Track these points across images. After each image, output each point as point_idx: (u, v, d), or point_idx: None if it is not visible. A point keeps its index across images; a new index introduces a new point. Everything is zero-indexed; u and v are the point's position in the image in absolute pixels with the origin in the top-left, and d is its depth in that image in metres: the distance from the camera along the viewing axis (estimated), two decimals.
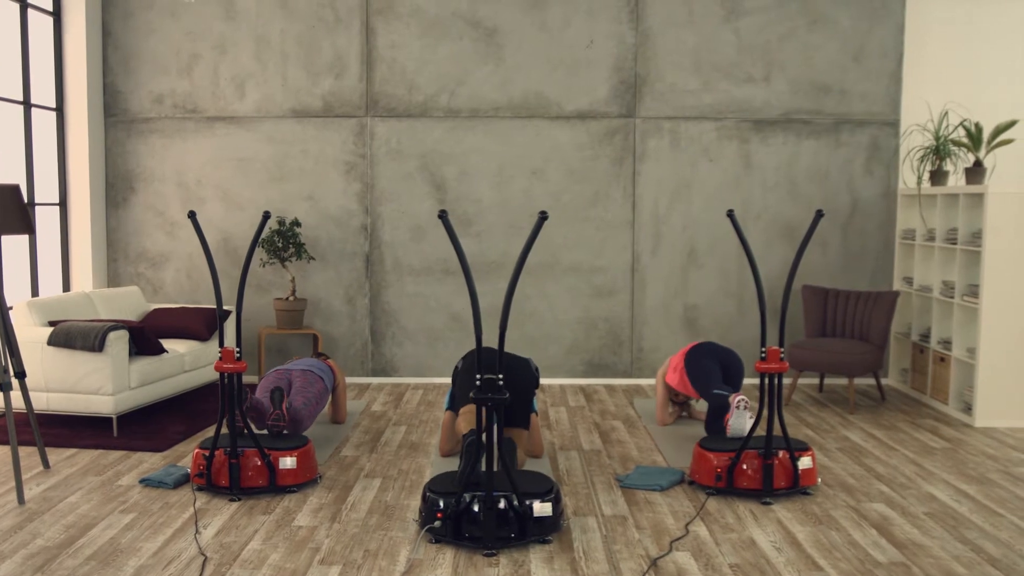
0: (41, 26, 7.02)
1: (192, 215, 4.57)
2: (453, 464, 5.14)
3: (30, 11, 6.82)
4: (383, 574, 3.67)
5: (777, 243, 7.45)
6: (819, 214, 4.49)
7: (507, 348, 7.53)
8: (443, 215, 3.87)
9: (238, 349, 4.63)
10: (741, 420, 5.03)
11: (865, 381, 7.59)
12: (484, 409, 3.98)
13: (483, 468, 4.34)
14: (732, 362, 5.71)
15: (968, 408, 6.30)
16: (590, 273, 7.47)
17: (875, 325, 6.71)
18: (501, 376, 3.92)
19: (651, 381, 7.54)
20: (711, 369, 5.59)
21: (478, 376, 3.91)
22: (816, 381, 7.56)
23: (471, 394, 3.99)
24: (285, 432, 5.03)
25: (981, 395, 6.11)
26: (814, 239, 7.46)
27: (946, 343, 6.60)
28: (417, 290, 7.49)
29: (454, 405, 5.27)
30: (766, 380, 4.64)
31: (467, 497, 3.96)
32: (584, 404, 6.77)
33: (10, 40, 6.67)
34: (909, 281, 7.29)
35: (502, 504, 3.94)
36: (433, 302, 7.49)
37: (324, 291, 7.51)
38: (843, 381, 7.54)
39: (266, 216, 4.59)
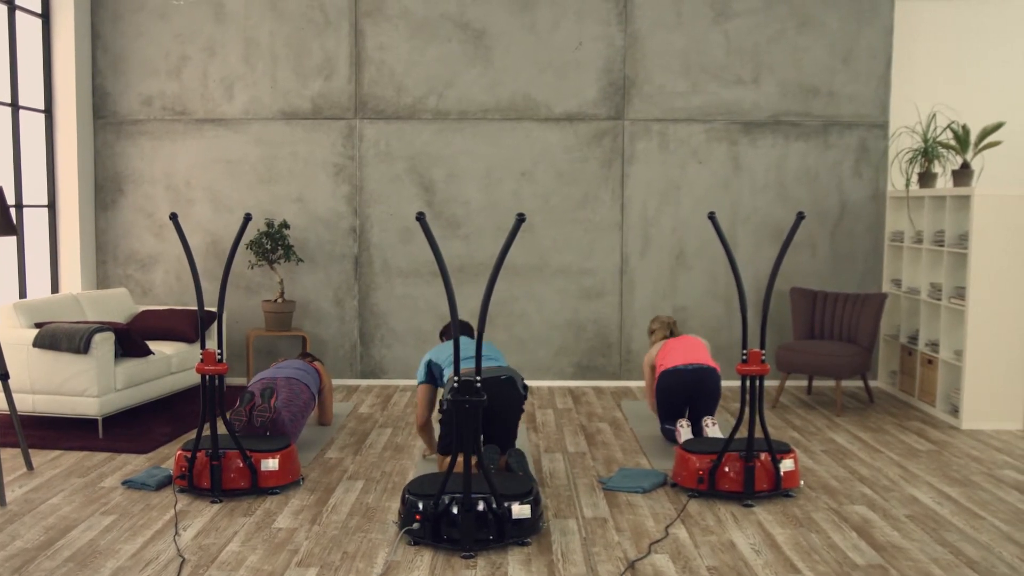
0: (29, 28, 7.02)
1: (174, 217, 4.57)
2: (433, 467, 5.13)
3: (18, 13, 6.83)
4: None
5: (766, 245, 7.45)
6: (800, 216, 4.49)
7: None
8: (421, 217, 3.87)
9: (219, 351, 4.63)
10: (686, 433, 5.44)
11: (853, 383, 7.59)
12: (461, 412, 3.97)
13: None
14: (702, 388, 5.50)
15: (955, 410, 6.30)
16: (579, 275, 7.47)
17: (863, 327, 6.71)
18: (479, 379, 3.91)
19: (640, 383, 7.54)
20: (676, 410, 5.62)
21: (455, 377, 3.91)
22: (804, 383, 7.56)
23: (448, 395, 3.99)
24: (268, 433, 5.05)
25: (967, 397, 6.11)
26: (803, 241, 7.46)
27: (934, 345, 6.60)
28: (406, 292, 7.49)
29: (431, 379, 5.15)
30: (747, 382, 4.64)
31: (446, 499, 3.96)
32: (571, 406, 6.76)
33: None
34: (898, 283, 7.29)
35: (481, 506, 3.93)
36: (422, 303, 7.49)
37: (313, 293, 7.51)
38: (831, 383, 7.54)
39: (247, 219, 4.59)
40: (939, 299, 6.49)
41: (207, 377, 4.60)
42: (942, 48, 7.32)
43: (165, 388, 6.38)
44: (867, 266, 7.50)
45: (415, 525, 3.96)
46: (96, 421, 5.98)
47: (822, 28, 7.33)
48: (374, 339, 7.53)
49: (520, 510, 3.97)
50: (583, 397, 7.09)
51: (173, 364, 6.45)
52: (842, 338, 6.90)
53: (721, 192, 7.42)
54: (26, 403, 5.79)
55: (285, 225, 7.22)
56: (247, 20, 7.36)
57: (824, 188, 7.44)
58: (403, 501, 4.10)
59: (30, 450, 5.45)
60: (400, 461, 5.31)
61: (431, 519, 3.94)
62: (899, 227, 7.35)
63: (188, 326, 6.70)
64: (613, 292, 7.49)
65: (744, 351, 4.57)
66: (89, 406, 5.71)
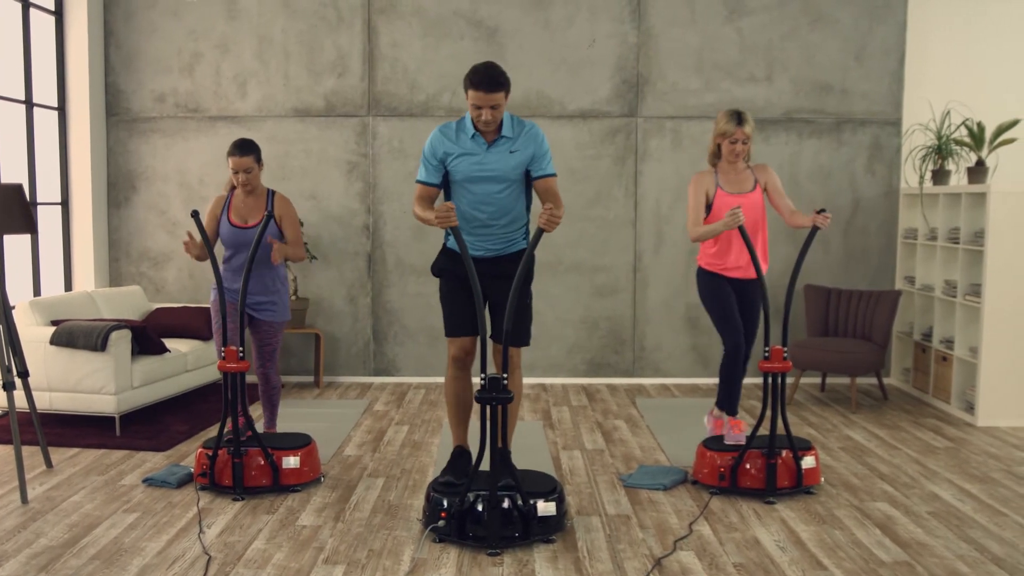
0: (43, 25, 7.01)
1: (195, 214, 4.57)
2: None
3: (32, 10, 6.82)
4: (387, 573, 3.67)
5: (779, 243, 7.45)
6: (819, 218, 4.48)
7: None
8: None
9: (241, 348, 4.63)
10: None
11: (867, 380, 7.58)
12: (488, 409, 3.98)
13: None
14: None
15: (970, 407, 6.30)
16: (592, 272, 7.47)
17: (877, 324, 6.71)
18: (505, 375, 3.92)
19: (653, 380, 7.54)
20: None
21: (483, 376, 3.91)
22: (818, 380, 7.56)
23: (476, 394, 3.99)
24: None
25: (983, 394, 6.11)
26: (816, 238, 7.45)
27: (948, 342, 6.60)
28: (419, 290, 7.48)
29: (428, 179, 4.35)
30: (769, 379, 4.64)
31: (471, 497, 3.96)
32: (586, 403, 6.76)
33: (12, 39, 6.67)
34: (911, 280, 7.29)
35: (506, 504, 3.93)
36: (435, 301, 7.47)
37: (326, 290, 7.50)
38: (845, 380, 7.54)
39: (268, 216, 4.57)
40: (954, 296, 6.49)
41: (229, 375, 4.60)
42: (956, 44, 7.31)
43: (181, 386, 6.38)
44: (880, 263, 7.50)
45: (440, 523, 3.96)
46: (113, 419, 5.97)
47: (835, 25, 7.32)
48: (387, 337, 7.53)
49: (546, 507, 3.97)
50: (597, 394, 7.09)
51: (189, 361, 6.44)
52: (856, 335, 6.90)
53: None
54: (43, 400, 5.79)
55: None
56: (260, 17, 7.35)
57: (837, 185, 7.44)
58: (428, 498, 4.10)
59: (48, 448, 5.44)
60: (419, 458, 5.31)
61: (456, 516, 3.94)
62: (912, 224, 7.34)
63: (203, 323, 6.69)
64: (626, 289, 7.49)
65: (766, 348, 4.57)
66: (106, 404, 5.70)
